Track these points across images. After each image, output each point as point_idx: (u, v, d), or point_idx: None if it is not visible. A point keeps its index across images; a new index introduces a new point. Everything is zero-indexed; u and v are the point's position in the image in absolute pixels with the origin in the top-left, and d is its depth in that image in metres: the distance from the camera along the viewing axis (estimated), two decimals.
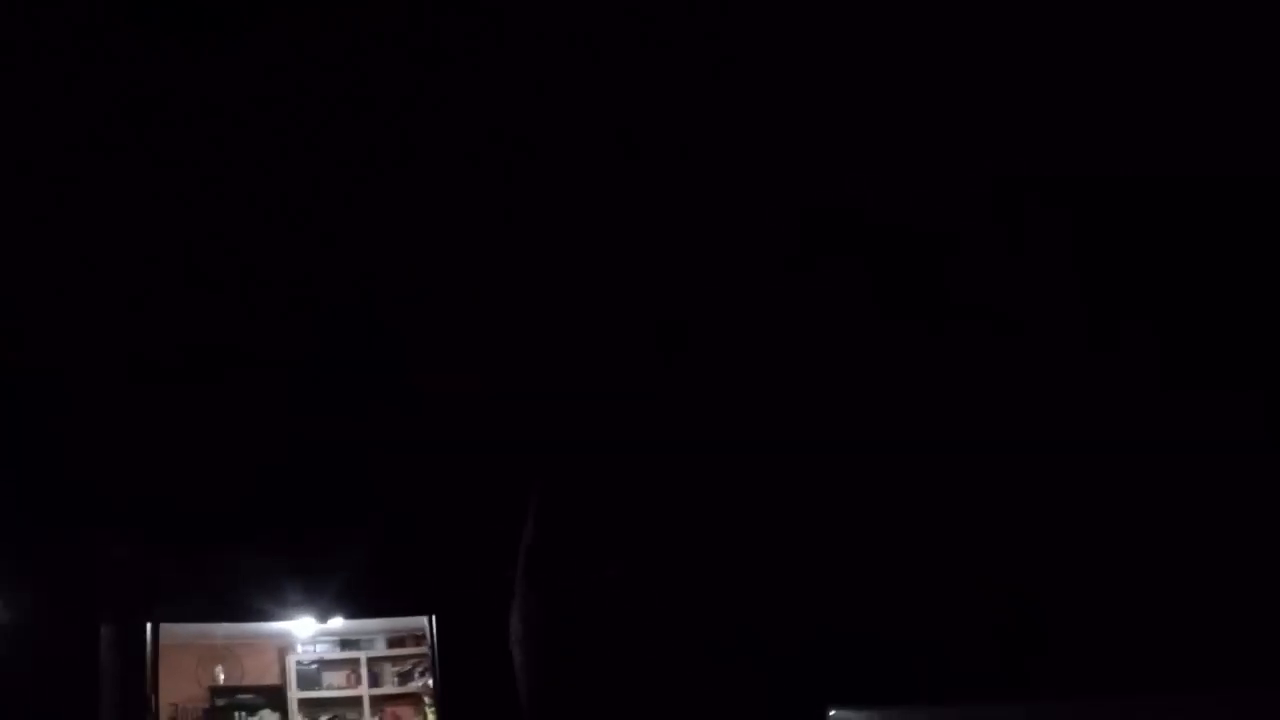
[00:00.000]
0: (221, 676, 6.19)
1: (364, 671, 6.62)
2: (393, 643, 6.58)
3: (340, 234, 2.39)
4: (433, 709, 5.72)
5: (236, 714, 6.12)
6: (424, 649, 5.99)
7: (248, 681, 6.12)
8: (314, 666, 6.56)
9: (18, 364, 2.93)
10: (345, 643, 6.52)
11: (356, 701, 6.50)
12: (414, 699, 6.43)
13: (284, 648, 6.45)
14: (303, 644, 6.47)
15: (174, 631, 5.42)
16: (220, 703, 6.21)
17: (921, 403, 3.37)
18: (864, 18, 1.88)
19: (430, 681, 5.78)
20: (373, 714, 6.46)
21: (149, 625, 4.87)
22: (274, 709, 6.30)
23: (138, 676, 4.81)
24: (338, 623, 6.01)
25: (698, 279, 2.59)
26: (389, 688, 6.63)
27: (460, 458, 3.03)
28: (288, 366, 3.04)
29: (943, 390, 3.36)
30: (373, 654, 6.49)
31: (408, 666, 6.49)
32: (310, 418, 3.21)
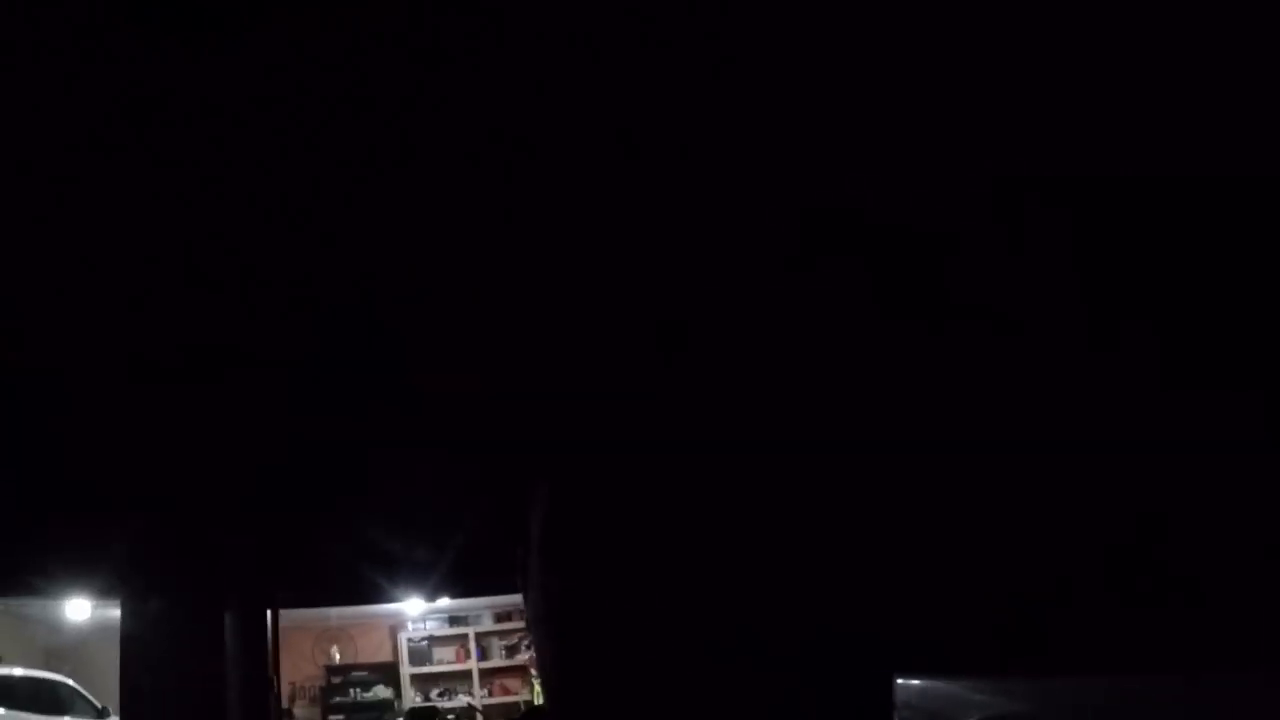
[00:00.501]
0: (337, 656, 6.28)
1: (472, 646, 6.66)
2: (499, 617, 6.60)
3: (340, 234, 2.39)
4: (538, 679, 5.78)
5: (352, 690, 6.18)
6: None
7: (362, 660, 6.20)
8: (424, 643, 6.62)
9: (18, 363, 2.94)
10: (454, 619, 6.55)
11: (466, 675, 6.53)
12: (521, 670, 6.45)
13: (395, 626, 6.51)
14: (413, 622, 6.52)
15: (292, 616, 5.56)
16: (336, 680, 6.27)
17: (922, 402, 3.37)
18: (864, 17, 1.88)
19: None
20: (482, 686, 6.48)
21: (269, 611, 5.04)
22: (387, 685, 6.35)
23: (260, 659, 4.99)
24: (445, 601, 6.06)
25: (698, 279, 2.59)
26: (496, 661, 6.65)
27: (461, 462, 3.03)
28: (291, 366, 3.06)
29: (943, 390, 3.36)
30: (480, 629, 6.52)
31: (514, 640, 6.52)
32: (310, 420, 3.22)
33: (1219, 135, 2.15)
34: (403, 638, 6.61)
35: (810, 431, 3.26)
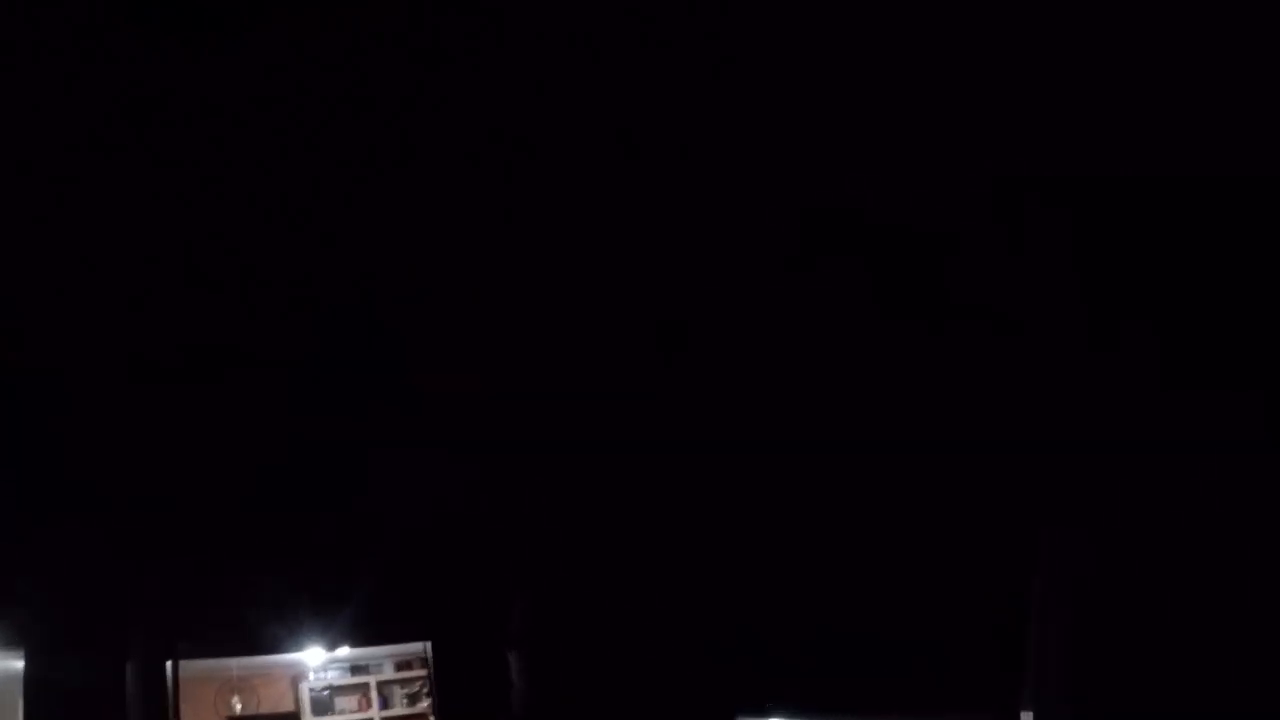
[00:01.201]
0: (239, 706, 6.33)
1: (374, 695, 6.74)
2: (400, 665, 6.71)
3: (340, 234, 2.39)
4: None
5: None
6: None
7: (264, 709, 6.27)
8: (326, 693, 6.69)
9: (18, 364, 2.93)
10: (355, 668, 6.66)
11: None
12: (423, 718, 6.54)
13: (297, 676, 6.59)
14: (314, 671, 6.60)
15: (193, 666, 5.63)
16: None
17: (922, 402, 3.37)
18: (864, 17, 1.88)
19: None
20: None
21: (169, 662, 5.17)
22: None
23: (160, 709, 5.10)
24: (345, 650, 6.18)
25: (698, 279, 2.59)
26: (399, 709, 6.76)
27: (460, 462, 3.03)
28: (288, 366, 3.05)
29: (943, 390, 3.36)
30: (382, 677, 6.63)
31: (416, 688, 6.61)
32: (310, 420, 3.22)
33: (1219, 135, 2.15)
34: (304, 687, 6.76)
35: (810, 432, 3.24)
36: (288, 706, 6.41)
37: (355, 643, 5.93)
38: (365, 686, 6.62)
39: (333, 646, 6.03)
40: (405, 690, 6.47)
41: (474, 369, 2.90)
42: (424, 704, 6.32)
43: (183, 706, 5.43)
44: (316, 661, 6.30)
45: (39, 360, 2.88)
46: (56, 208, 2.19)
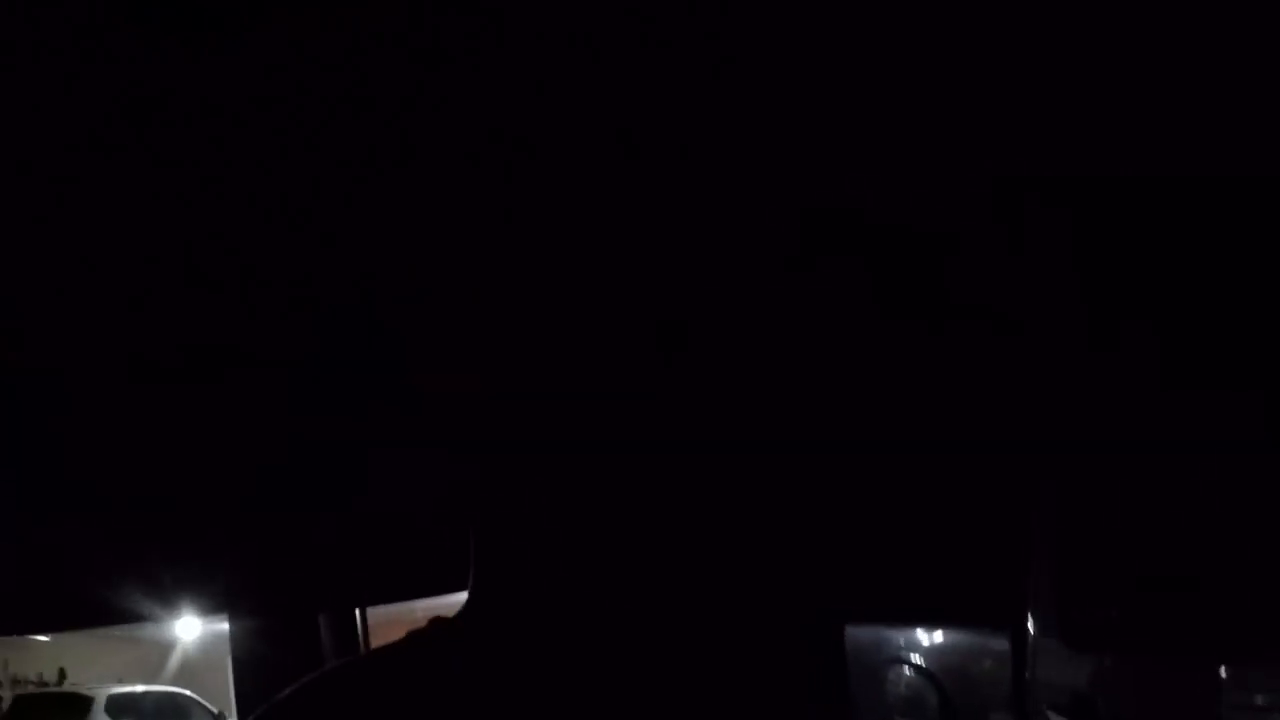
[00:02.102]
0: None
1: None
2: None
3: (340, 234, 2.39)
4: None
5: None
6: None
7: None
8: None
9: (18, 364, 2.93)
10: None
11: None
12: None
13: None
14: None
15: (379, 612, 5.84)
16: None
17: (921, 402, 3.37)
18: (864, 18, 1.88)
19: None
20: None
21: (358, 610, 5.48)
22: None
23: (353, 653, 5.41)
24: None
25: (698, 279, 2.59)
26: None
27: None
28: (290, 366, 3.05)
29: (943, 390, 3.36)
30: None
31: None
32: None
33: (1219, 135, 2.15)
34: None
35: (809, 432, 3.25)
36: None
37: None
38: None
39: None
40: None
41: (474, 369, 2.90)
42: None
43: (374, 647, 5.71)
44: None
45: (39, 360, 2.88)
46: (56, 208, 2.19)
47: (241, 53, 1.78)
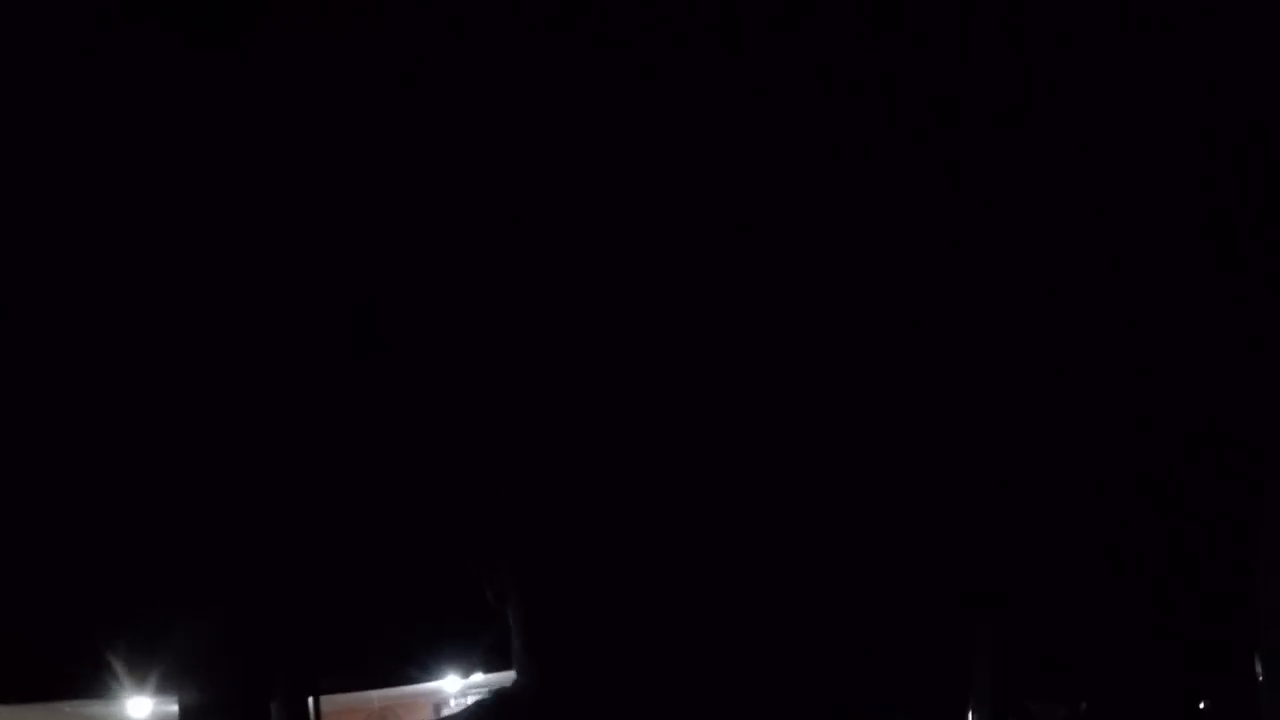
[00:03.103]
0: None
1: None
2: None
3: (340, 234, 2.39)
4: None
5: None
6: None
7: None
8: None
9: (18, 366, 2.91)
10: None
11: None
12: None
13: (439, 703, 6.62)
14: (454, 698, 6.65)
15: (335, 700, 5.69)
16: None
17: (918, 402, 3.37)
18: (866, 17, 1.88)
19: None
20: None
21: (311, 699, 5.35)
22: None
23: None
24: (480, 676, 6.24)
25: (698, 278, 2.59)
26: None
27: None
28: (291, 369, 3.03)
29: (942, 390, 3.37)
30: None
31: None
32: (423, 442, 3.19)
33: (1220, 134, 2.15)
34: (445, 713, 6.81)
35: (808, 431, 3.24)
36: None
37: (488, 669, 6.03)
38: None
39: (468, 673, 6.09)
40: None
41: (473, 368, 2.90)
42: None
43: None
44: (454, 688, 6.34)
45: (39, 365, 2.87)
46: (56, 207, 2.18)
47: (241, 53, 1.78)
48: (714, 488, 1.63)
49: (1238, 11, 1.75)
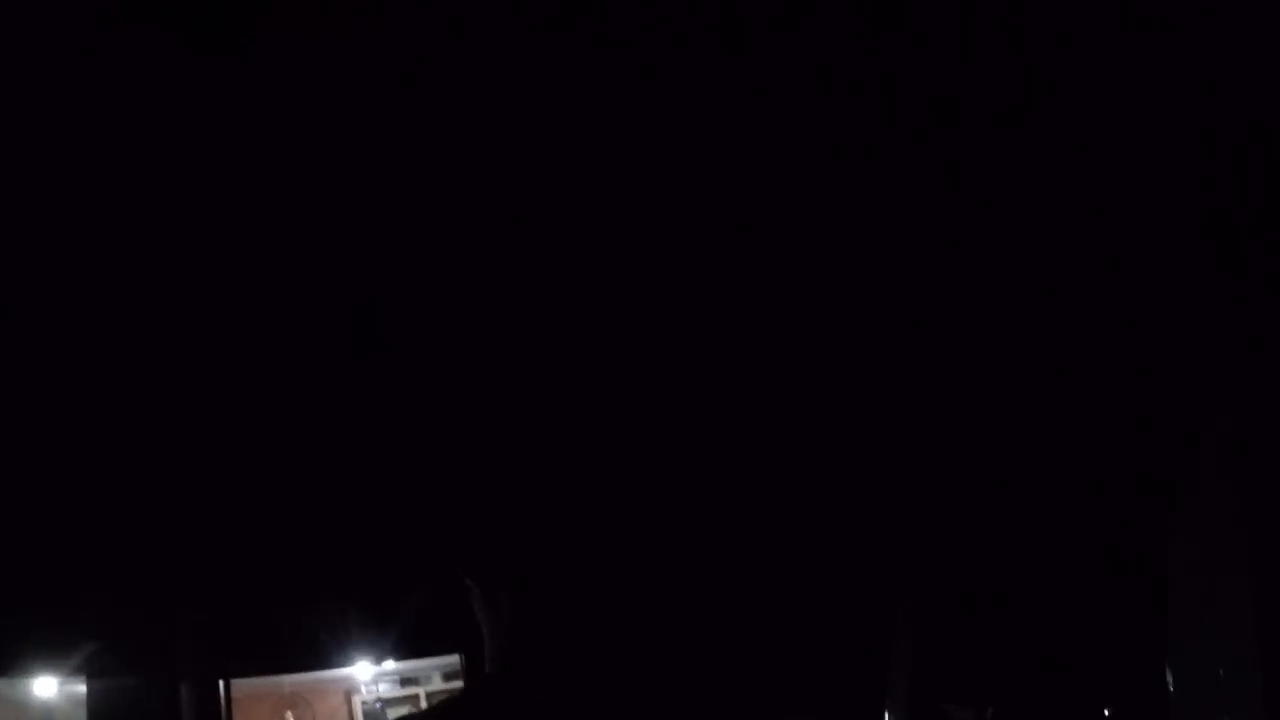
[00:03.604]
0: None
1: (424, 705, 6.81)
2: (448, 676, 6.78)
3: (340, 233, 2.39)
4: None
5: None
6: None
7: None
8: (378, 705, 6.82)
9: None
10: (405, 680, 6.75)
11: None
12: None
13: (349, 690, 6.67)
14: (366, 685, 6.70)
15: (245, 685, 5.73)
16: None
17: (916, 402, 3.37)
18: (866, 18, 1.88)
19: None
20: None
21: (221, 681, 5.33)
22: None
23: None
24: (393, 664, 6.30)
25: (698, 278, 2.59)
26: None
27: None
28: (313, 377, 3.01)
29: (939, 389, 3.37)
30: (431, 689, 6.72)
31: None
32: (353, 433, 3.19)
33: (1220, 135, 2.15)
34: (357, 701, 6.84)
35: (808, 430, 3.22)
36: (342, 719, 6.54)
37: (400, 656, 6.07)
38: (415, 698, 6.71)
39: (380, 660, 6.15)
40: None
41: (472, 369, 2.90)
42: None
43: None
44: (367, 675, 6.40)
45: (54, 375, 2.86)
46: (56, 208, 2.18)
47: (241, 53, 1.78)
48: (699, 487, 1.63)
49: (1238, 11, 1.75)
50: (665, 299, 2.63)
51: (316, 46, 1.72)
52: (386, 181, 2.17)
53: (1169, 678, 3.05)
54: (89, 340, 2.73)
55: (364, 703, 6.63)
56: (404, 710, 6.41)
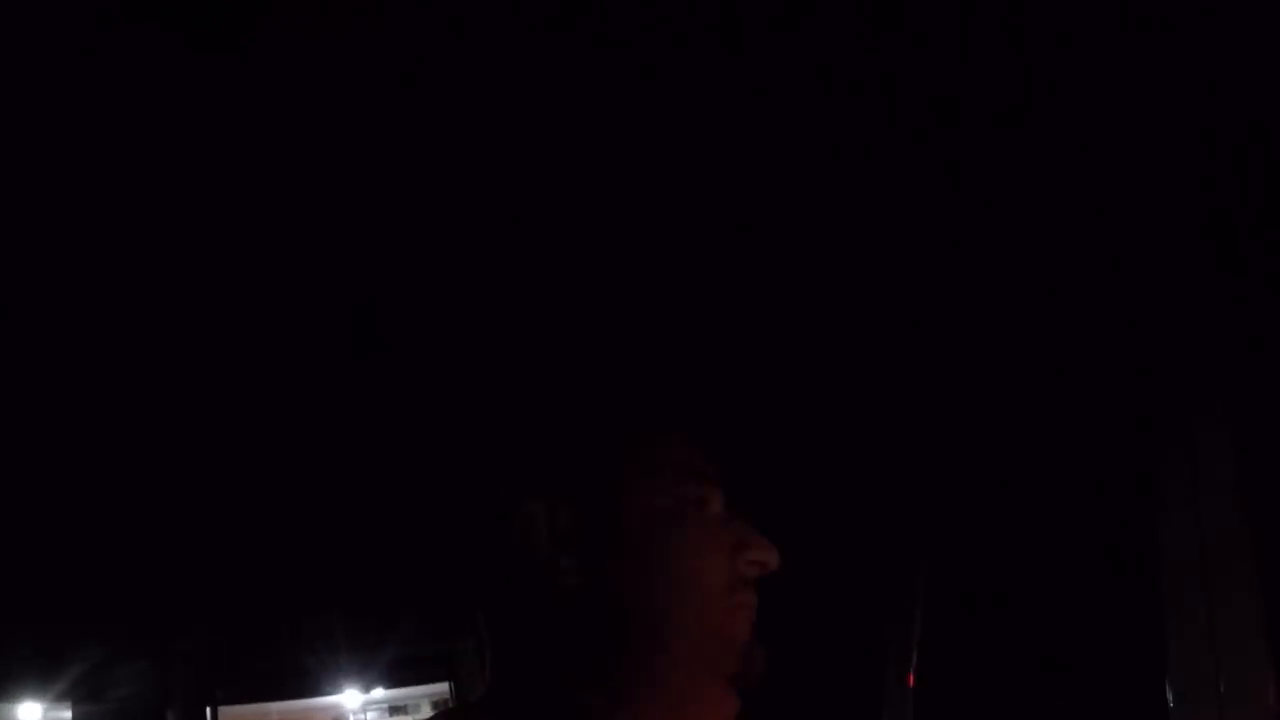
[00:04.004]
0: None
1: None
2: (437, 704, 6.70)
3: (340, 234, 2.39)
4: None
5: None
6: None
7: None
8: None
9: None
10: (393, 709, 6.70)
11: None
12: None
13: (337, 718, 6.62)
14: (353, 714, 6.64)
15: (233, 712, 5.70)
16: None
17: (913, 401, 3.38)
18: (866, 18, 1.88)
19: None
20: None
21: (209, 709, 5.31)
22: None
23: None
24: (381, 692, 6.27)
25: (698, 278, 2.59)
26: None
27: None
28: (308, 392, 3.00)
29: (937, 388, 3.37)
30: (419, 717, 6.65)
31: None
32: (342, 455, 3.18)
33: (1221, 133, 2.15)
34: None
35: (805, 432, 3.22)
36: None
37: (389, 684, 6.05)
38: None
39: (369, 688, 6.12)
40: None
41: (472, 369, 2.90)
42: None
43: None
44: (355, 704, 6.36)
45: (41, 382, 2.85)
46: (56, 208, 2.18)
47: (241, 53, 1.78)
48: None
49: (1238, 11, 1.75)
50: (665, 299, 2.63)
51: (316, 46, 1.72)
52: (386, 181, 2.17)
53: (1169, 697, 3.05)
54: (85, 348, 2.73)
55: None
56: None
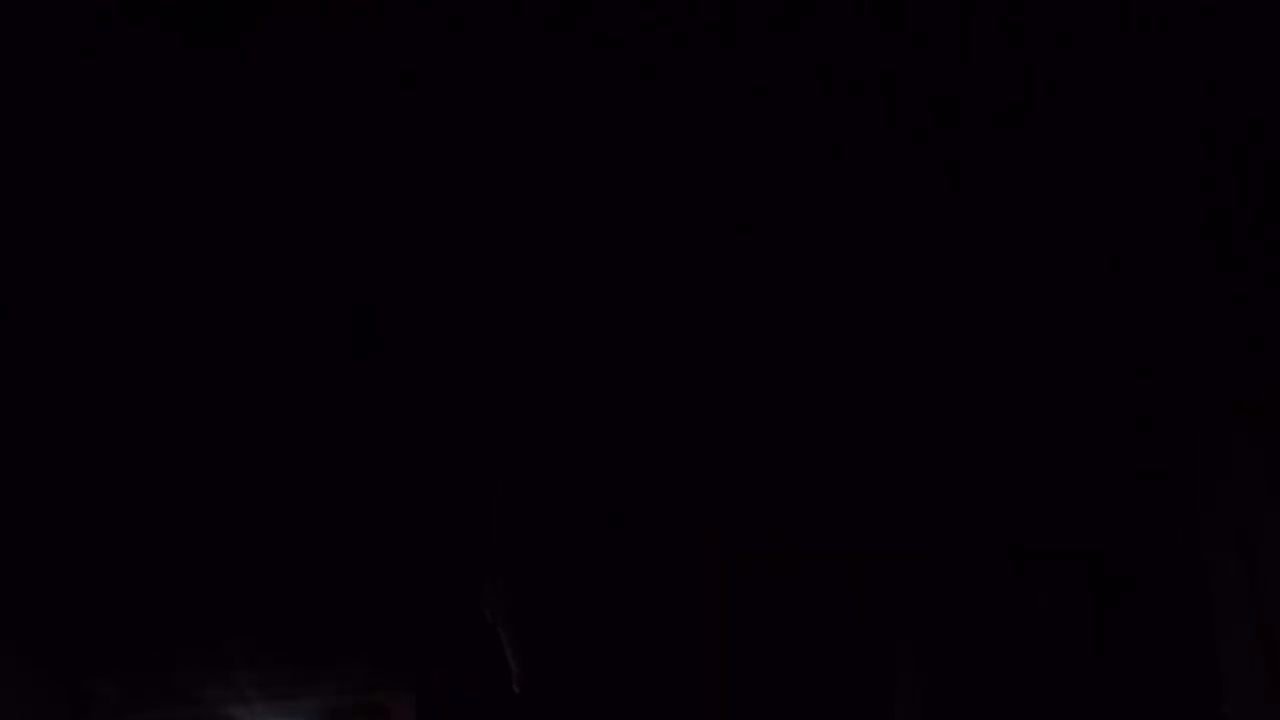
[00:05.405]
0: None
1: None
2: None
3: (340, 233, 2.39)
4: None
5: None
6: None
7: None
8: None
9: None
10: None
11: None
12: None
13: None
14: None
15: None
16: None
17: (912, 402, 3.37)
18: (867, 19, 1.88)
19: None
20: None
21: None
22: None
23: None
24: None
25: (698, 279, 2.59)
26: None
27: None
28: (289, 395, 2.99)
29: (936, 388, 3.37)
30: None
31: None
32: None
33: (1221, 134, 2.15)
34: None
35: (805, 431, 3.22)
36: None
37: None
38: None
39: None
40: None
41: (472, 370, 2.90)
42: None
43: None
44: None
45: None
46: (57, 208, 2.18)
47: (242, 53, 1.78)
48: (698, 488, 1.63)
49: (1238, 11, 1.75)
50: (665, 299, 2.63)
51: (316, 46, 1.72)
52: (386, 181, 2.17)
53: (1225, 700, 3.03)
54: (81, 356, 2.72)
55: None
56: None
